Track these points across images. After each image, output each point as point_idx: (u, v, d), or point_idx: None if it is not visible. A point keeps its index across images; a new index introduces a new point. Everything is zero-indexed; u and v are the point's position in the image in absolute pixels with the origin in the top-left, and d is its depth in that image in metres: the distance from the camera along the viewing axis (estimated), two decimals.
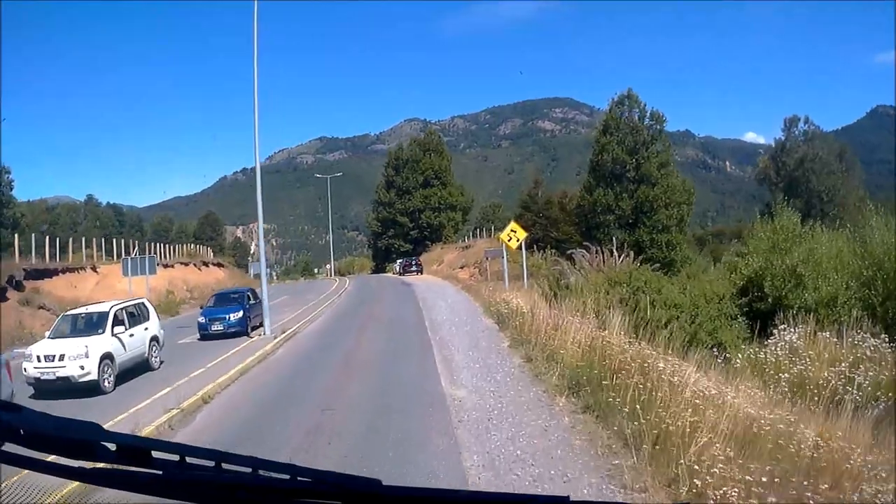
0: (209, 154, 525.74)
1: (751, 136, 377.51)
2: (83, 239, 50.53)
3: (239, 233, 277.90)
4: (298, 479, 1.49)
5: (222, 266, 68.11)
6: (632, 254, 34.14)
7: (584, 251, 34.18)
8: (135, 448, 1.48)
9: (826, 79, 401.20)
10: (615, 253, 33.63)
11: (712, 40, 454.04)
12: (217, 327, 24.27)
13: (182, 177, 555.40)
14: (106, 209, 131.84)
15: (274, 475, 1.50)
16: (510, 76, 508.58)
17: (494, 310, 23.34)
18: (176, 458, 1.50)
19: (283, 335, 22.03)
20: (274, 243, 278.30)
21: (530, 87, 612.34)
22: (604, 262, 33.81)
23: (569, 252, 33.70)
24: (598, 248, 33.71)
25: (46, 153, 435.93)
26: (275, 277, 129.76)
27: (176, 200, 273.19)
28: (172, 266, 51.67)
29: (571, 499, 1.54)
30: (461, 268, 51.90)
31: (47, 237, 51.18)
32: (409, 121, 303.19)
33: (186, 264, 54.80)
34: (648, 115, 43.88)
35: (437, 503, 1.64)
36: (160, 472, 1.48)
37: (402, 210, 79.22)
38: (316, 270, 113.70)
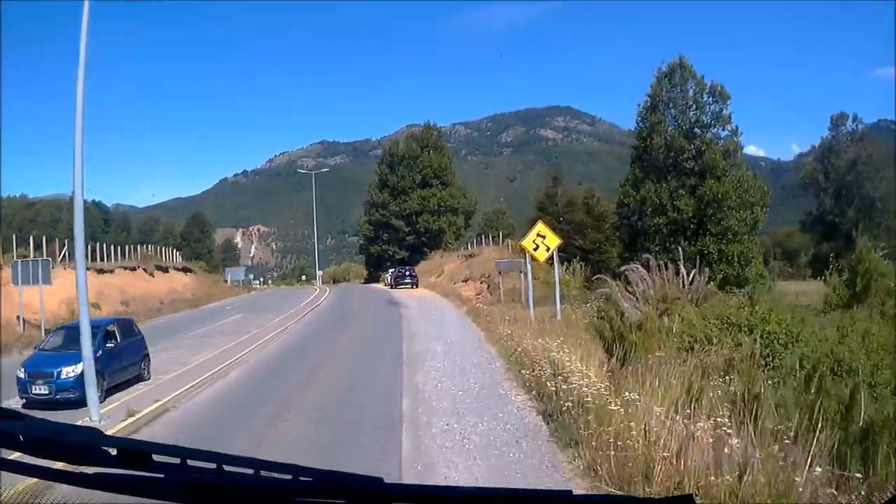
0: (209, 155, 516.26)
1: (751, 150, 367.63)
2: (31, 237, 40.14)
3: (238, 235, 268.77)
4: (300, 479, 1.42)
5: (189, 272, 57.18)
6: (706, 271, 23.26)
7: (637, 266, 23.39)
8: (135, 451, 1.44)
9: (827, 92, 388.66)
10: (682, 269, 22.72)
11: (714, 52, 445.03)
12: (40, 390, 13.34)
13: (183, 178, 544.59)
14: (90, 207, 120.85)
15: (276, 476, 1.42)
16: (511, 83, 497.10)
17: (530, 376, 12.42)
18: (177, 461, 1.43)
19: (125, 425, 11.00)
20: (274, 247, 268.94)
21: (532, 96, 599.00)
22: (666, 282, 22.89)
23: (621, 269, 22.87)
24: (661, 264, 22.88)
25: (48, 150, 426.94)
26: (269, 283, 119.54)
27: (176, 202, 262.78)
28: (112, 272, 40.69)
29: (574, 493, 1.39)
30: (464, 281, 40.93)
31: (14, 235, 41.67)
32: (411, 126, 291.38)
33: (133, 269, 43.79)
34: (707, 89, 32.85)
35: (438, 500, 1.52)
36: (161, 476, 1.42)
37: (397, 212, 68.06)
38: (304, 277, 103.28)
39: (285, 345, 20.17)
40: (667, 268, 22.84)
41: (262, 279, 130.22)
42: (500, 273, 29.06)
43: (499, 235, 52.21)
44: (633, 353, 15.42)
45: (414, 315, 25.94)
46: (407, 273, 49.23)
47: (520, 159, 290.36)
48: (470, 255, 47.61)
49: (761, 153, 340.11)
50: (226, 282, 69.15)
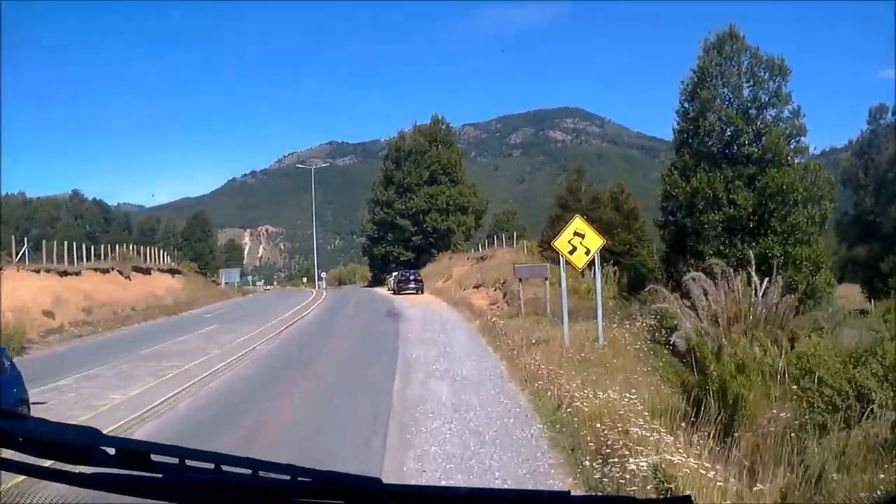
0: (218, 155, 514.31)
1: None
2: (13, 238, 35.60)
3: (246, 236, 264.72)
4: (299, 479, 1.38)
5: (177, 273, 51.98)
6: (779, 280, 17.76)
7: (699, 274, 18.09)
8: (134, 451, 1.41)
9: (834, 93, 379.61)
10: (754, 278, 17.36)
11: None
12: None
13: (190, 178, 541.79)
14: (91, 205, 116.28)
15: (274, 476, 1.38)
16: (520, 84, 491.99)
17: (600, 472, 6.96)
18: (175, 460, 1.39)
19: None
20: (282, 247, 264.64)
21: (541, 97, 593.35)
22: (737, 294, 17.56)
23: (684, 279, 17.50)
24: (727, 271, 17.54)
25: (59, 150, 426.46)
26: (275, 284, 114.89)
27: (184, 201, 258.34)
28: (78, 274, 35.49)
29: (572, 494, 1.35)
30: (476, 287, 35.45)
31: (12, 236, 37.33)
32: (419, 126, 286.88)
33: (106, 271, 38.57)
34: (763, 63, 27.07)
35: (436, 500, 1.49)
36: (160, 476, 1.39)
37: (403, 211, 62.61)
38: (305, 279, 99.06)
39: (236, 378, 14.74)
40: (735, 275, 17.51)
41: (263, 280, 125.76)
42: (519, 280, 23.64)
43: (513, 236, 46.83)
44: (740, 413, 10.09)
45: (415, 333, 20.56)
46: (411, 277, 43.82)
47: (529, 161, 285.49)
48: (481, 258, 42.17)
49: None
50: (218, 284, 64.20)
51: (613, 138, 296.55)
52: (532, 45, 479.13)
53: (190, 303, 41.10)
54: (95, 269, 37.59)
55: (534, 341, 17.20)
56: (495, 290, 32.08)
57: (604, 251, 34.93)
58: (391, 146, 66.39)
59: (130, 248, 49.26)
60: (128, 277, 40.20)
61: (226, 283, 64.43)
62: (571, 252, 17.14)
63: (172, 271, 50.86)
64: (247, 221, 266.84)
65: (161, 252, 55.85)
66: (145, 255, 50.00)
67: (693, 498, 1.35)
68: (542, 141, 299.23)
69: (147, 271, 44.69)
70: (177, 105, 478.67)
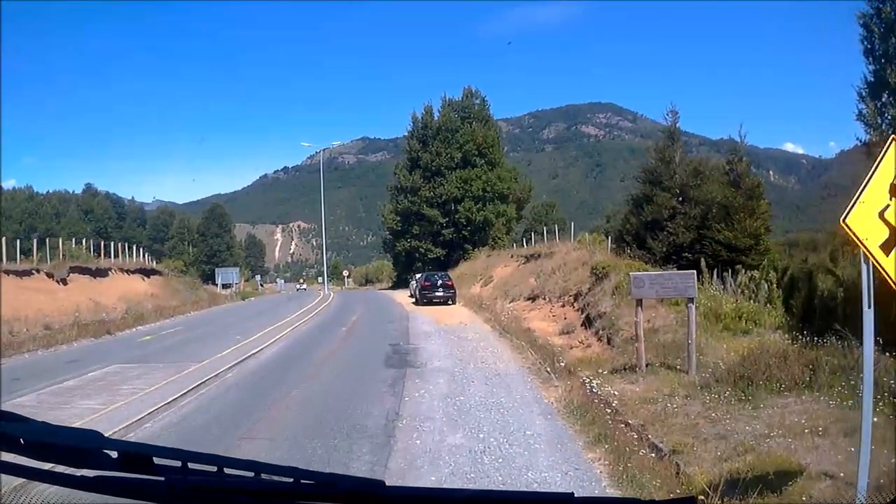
0: (249, 152, 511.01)
1: (790, 147, 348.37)
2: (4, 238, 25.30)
3: (278, 232, 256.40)
4: (301, 481, 1.36)
5: (153, 275, 41.02)
6: None
7: None
8: (136, 455, 1.39)
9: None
10: None
11: (754, 51, 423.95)
12: None
13: (222, 174, 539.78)
14: (103, 200, 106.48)
15: (277, 479, 1.36)
16: (553, 80, 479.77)
17: None
18: (178, 464, 1.37)
19: None
20: (314, 243, 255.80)
21: (573, 92, 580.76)
22: None
23: None
24: None
25: (84, 148, 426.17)
26: (301, 281, 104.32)
27: (216, 198, 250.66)
28: None
29: (576, 495, 1.31)
30: (530, 300, 23.62)
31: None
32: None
33: (25, 273, 27.61)
34: None
35: (440, 502, 1.50)
36: (162, 479, 1.36)
37: (431, 199, 50.84)
38: (319, 279, 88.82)
39: None
40: None
41: (284, 279, 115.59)
42: (638, 304, 11.85)
43: (569, 227, 34.91)
44: None
45: (434, 436, 8.75)
46: (439, 282, 31.71)
47: (562, 156, 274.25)
48: (533, 256, 30.25)
49: (800, 150, 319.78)
50: (218, 286, 53.19)
51: (646, 133, 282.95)
52: (564, 42, 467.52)
53: (147, 315, 30.07)
54: (7, 272, 26.66)
55: (747, 486, 5.54)
56: (563, 307, 20.25)
57: (708, 245, 23.01)
58: (416, 123, 54.38)
59: (88, 243, 38.53)
60: (61, 281, 29.21)
61: (222, 284, 53.06)
62: (889, 246, 5.42)
63: (145, 272, 39.94)
64: (278, 217, 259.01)
65: (139, 248, 44.89)
66: (113, 251, 39.25)
67: (696, 499, 1.10)
68: (574, 136, 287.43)
69: (102, 272, 33.72)
70: (207, 102, 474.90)
